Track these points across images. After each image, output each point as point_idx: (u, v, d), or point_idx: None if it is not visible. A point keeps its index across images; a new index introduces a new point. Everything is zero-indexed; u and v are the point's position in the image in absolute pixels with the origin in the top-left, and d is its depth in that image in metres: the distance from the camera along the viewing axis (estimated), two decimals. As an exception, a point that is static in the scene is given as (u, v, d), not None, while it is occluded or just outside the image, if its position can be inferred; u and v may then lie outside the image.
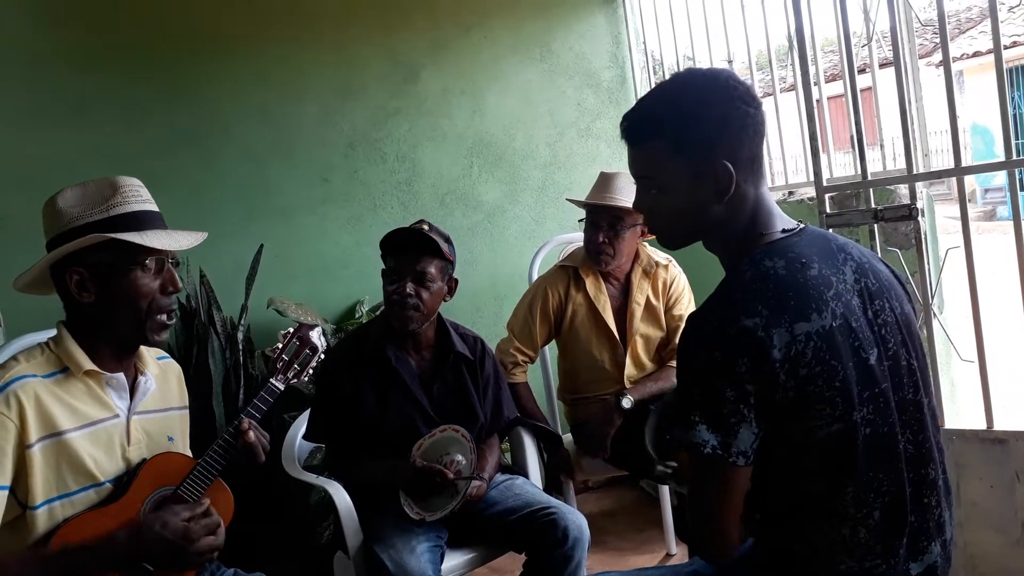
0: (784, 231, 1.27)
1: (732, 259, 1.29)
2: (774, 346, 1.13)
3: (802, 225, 1.30)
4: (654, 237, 2.85)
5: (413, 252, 2.20)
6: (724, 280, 1.26)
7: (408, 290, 2.17)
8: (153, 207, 1.61)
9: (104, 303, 1.55)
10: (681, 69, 1.37)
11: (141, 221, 1.56)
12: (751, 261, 1.23)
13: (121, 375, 1.62)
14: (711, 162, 1.23)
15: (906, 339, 1.29)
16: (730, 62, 3.33)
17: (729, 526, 1.22)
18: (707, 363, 1.17)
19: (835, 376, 1.16)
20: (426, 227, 2.22)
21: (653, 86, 3.82)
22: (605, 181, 2.67)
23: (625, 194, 2.61)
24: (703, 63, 3.53)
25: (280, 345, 1.86)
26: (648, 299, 2.73)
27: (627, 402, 2.58)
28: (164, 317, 1.61)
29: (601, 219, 2.62)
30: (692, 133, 1.24)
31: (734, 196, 1.25)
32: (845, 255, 1.28)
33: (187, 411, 1.83)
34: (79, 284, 1.54)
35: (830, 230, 1.75)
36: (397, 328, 2.23)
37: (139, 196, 1.58)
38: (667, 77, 1.35)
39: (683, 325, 1.23)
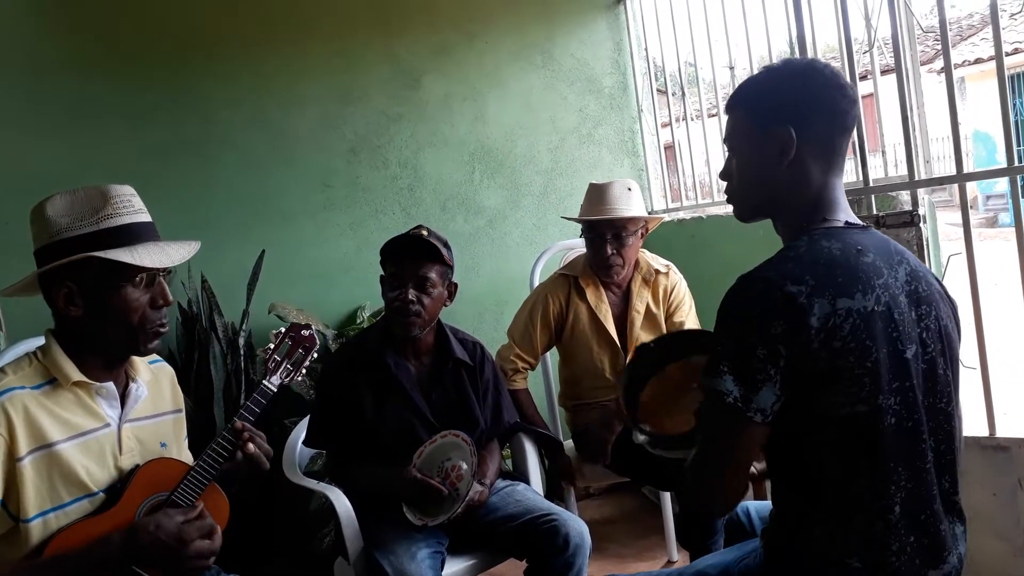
0: (848, 223, 1.31)
1: (792, 236, 1.33)
2: (813, 314, 1.16)
3: (868, 225, 1.34)
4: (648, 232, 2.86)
5: (413, 258, 2.20)
6: (780, 250, 1.30)
7: (410, 296, 2.17)
8: (145, 217, 1.58)
9: (93, 317, 1.53)
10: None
11: (131, 235, 1.53)
12: (809, 239, 1.27)
13: (111, 384, 1.60)
14: (776, 125, 1.30)
15: (946, 350, 1.31)
16: (732, 68, 3.34)
17: (731, 480, 1.25)
18: (745, 319, 1.20)
19: (867, 356, 1.19)
20: (425, 232, 2.22)
21: (653, 91, 3.84)
22: (599, 193, 2.67)
23: (623, 203, 2.61)
24: (704, 70, 3.54)
25: (272, 345, 1.84)
26: (648, 306, 2.73)
27: (628, 408, 2.57)
28: (155, 330, 1.60)
29: (606, 232, 2.62)
30: (768, 101, 1.33)
31: (796, 165, 1.31)
32: (902, 258, 1.32)
33: (182, 414, 1.81)
34: (67, 298, 1.52)
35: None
36: (399, 334, 2.23)
37: (130, 207, 1.55)
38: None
39: (733, 284, 1.26)
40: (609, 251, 2.62)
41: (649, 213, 3.73)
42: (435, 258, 2.20)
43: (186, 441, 1.85)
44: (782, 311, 1.17)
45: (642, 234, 2.71)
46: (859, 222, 1.33)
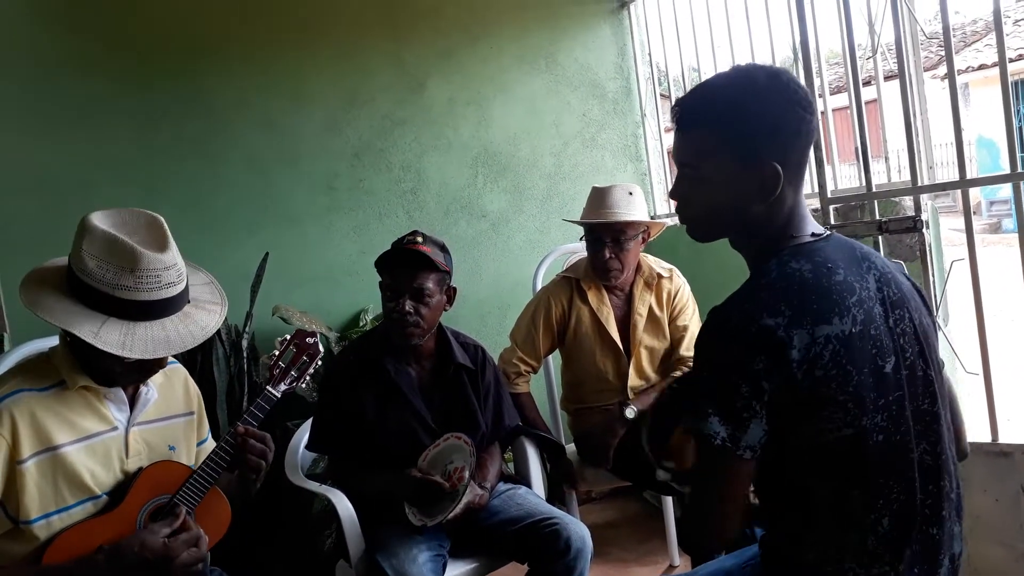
0: (813, 235, 1.28)
1: (758, 258, 1.29)
2: (793, 347, 1.14)
3: (829, 232, 1.31)
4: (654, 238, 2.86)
5: (409, 269, 2.17)
6: (750, 278, 1.27)
7: (407, 308, 2.15)
8: (171, 292, 1.52)
9: (85, 349, 1.52)
10: (742, 64, 1.31)
11: (143, 312, 1.50)
12: (778, 261, 1.23)
13: (119, 389, 1.61)
14: (760, 162, 1.23)
15: (924, 350, 1.29)
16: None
17: (727, 518, 1.23)
18: (725, 357, 1.18)
19: (849, 381, 1.17)
20: (419, 239, 2.20)
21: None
22: (600, 196, 2.67)
23: (623, 207, 2.62)
24: (708, 75, 3.54)
25: (277, 352, 1.85)
26: (651, 309, 2.73)
27: (631, 412, 2.58)
28: (137, 381, 1.62)
29: (604, 236, 2.63)
30: (744, 129, 1.23)
31: (777, 199, 1.25)
32: (869, 263, 1.29)
33: (194, 416, 1.81)
34: (65, 334, 1.53)
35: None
36: (398, 343, 2.23)
37: (156, 283, 1.50)
38: (726, 69, 1.31)
39: (705, 318, 1.23)
40: (608, 255, 2.63)
41: (652, 218, 3.73)
42: (430, 267, 2.18)
43: (205, 443, 1.84)
44: (763, 346, 1.14)
45: (643, 239, 2.71)
46: (821, 230, 1.29)
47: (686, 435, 1.23)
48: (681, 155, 1.30)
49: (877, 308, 1.24)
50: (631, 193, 2.66)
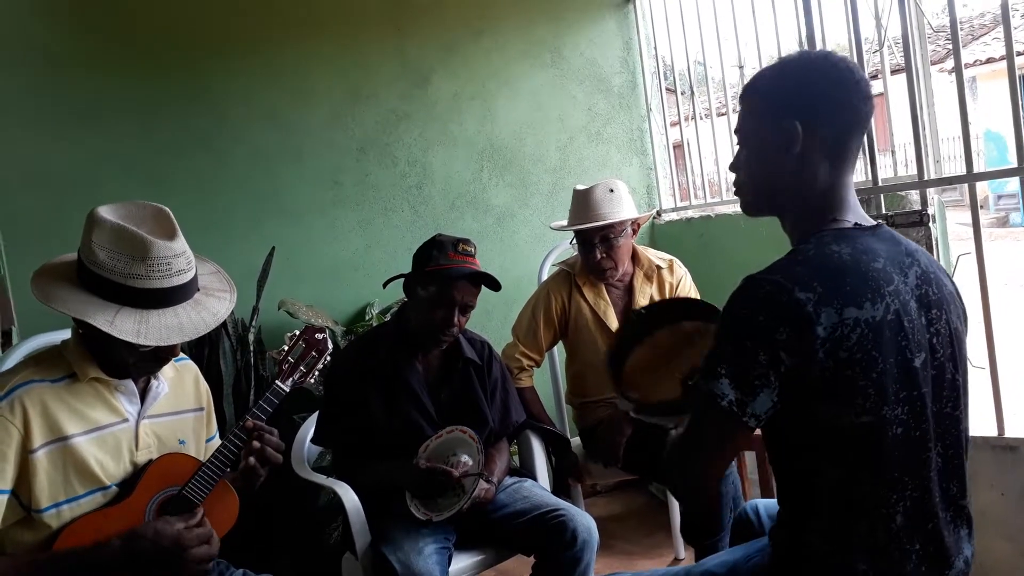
0: (857, 225, 1.29)
1: (801, 237, 1.31)
2: (820, 323, 1.15)
3: (878, 223, 1.31)
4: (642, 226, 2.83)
5: (472, 287, 2.20)
6: (788, 253, 1.28)
7: (459, 321, 2.19)
8: (181, 280, 1.54)
9: (98, 340, 1.54)
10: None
11: (156, 300, 1.51)
12: (818, 241, 1.25)
13: (129, 381, 1.63)
14: (784, 119, 1.28)
15: (955, 353, 1.29)
16: (741, 67, 3.33)
17: (715, 475, 1.27)
18: (749, 323, 1.18)
19: (874, 367, 1.17)
20: (472, 250, 2.22)
21: (662, 89, 3.83)
22: (583, 199, 2.68)
23: (605, 207, 2.62)
24: (714, 68, 3.53)
25: (286, 347, 1.86)
26: (652, 300, 2.73)
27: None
28: (149, 371, 1.63)
29: (593, 237, 2.64)
30: (778, 93, 1.31)
31: (802, 162, 1.28)
32: (913, 260, 1.29)
33: (204, 412, 1.83)
34: (78, 320, 1.54)
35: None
36: (428, 347, 2.24)
37: (167, 270, 1.51)
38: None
39: (738, 284, 1.24)
40: (599, 255, 2.64)
41: (646, 210, 3.73)
42: (488, 286, 2.23)
43: (213, 440, 1.86)
44: (788, 318, 1.15)
45: (633, 231, 2.71)
46: (869, 222, 1.31)
47: (695, 388, 1.25)
48: (736, 126, 1.39)
49: (913, 303, 1.24)
50: (612, 190, 2.66)
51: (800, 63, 1.32)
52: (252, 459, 1.67)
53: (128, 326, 1.47)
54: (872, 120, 2.17)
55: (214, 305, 1.61)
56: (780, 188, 1.33)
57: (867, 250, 1.23)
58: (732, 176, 1.42)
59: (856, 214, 1.31)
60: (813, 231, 1.28)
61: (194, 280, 1.59)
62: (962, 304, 1.37)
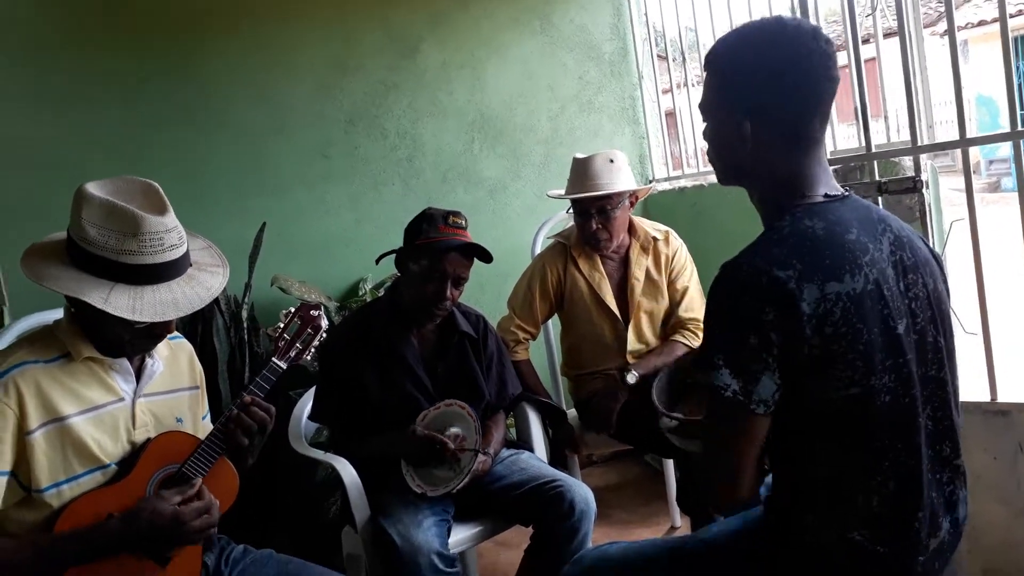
0: (827, 196, 1.28)
1: (771, 215, 1.30)
2: (803, 300, 1.15)
3: (847, 192, 1.31)
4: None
5: (464, 258, 2.19)
6: (762, 234, 1.27)
7: (452, 294, 2.18)
8: (174, 255, 1.52)
9: (91, 319, 1.53)
10: (772, 16, 1.36)
11: (149, 276, 1.50)
12: (792, 218, 1.24)
13: (124, 360, 1.62)
14: (735, 110, 1.27)
15: (935, 316, 1.30)
16: (733, 34, 3.31)
17: (743, 474, 1.23)
18: (735, 309, 1.18)
19: (859, 339, 1.17)
20: (463, 223, 2.20)
21: (654, 57, 3.80)
22: (582, 167, 2.66)
23: (605, 177, 2.61)
24: (705, 35, 3.50)
25: (282, 324, 1.85)
26: (649, 272, 2.73)
27: (632, 377, 2.59)
28: (144, 348, 1.61)
29: (590, 207, 2.62)
30: (732, 79, 1.29)
31: (758, 149, 1.27)
32: (885, 226, 1.29)
33: (199, 391, 1.82)
34: (71, 299, 1.53)
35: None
36: (422, 322, 2.24)
37: (159, 245, 1.49)
38: (764, 17, 1.38)
39: (717, 272, 1.23)
40: (594, 226, 2.63)
41: (651, 181, 3.72)
42: (480, 257, 2.21)
43: (207, 419, 1.86)
44: (772, 297, 1.15)
45: (631, 203, 2.70)
46: (838, 191, 1.30)
47: (700, 388, 1.24)
48: (700, 99, 1.37)
49: (890, 270, 1.24)
50: (612, 160, 2.65)
51: (756, 41, 1.28)
52: (235, 427, 1.65)
53: (123, 302, 1.46)
54: (864, 85, 2.14)
55: (207, 280, 1.60)
56: (743, 169, 1.33)
57: (839, 221, 1.23)
58: None
59: (826, 186, 1.29)
60: (785, 208, 1.26)
61: (186, 255, 1.58)
62: (939, 265, 1.37)
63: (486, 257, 2.21)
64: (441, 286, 2.16)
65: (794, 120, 1.26)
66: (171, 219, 1.53)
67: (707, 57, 1.34)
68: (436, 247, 2.14)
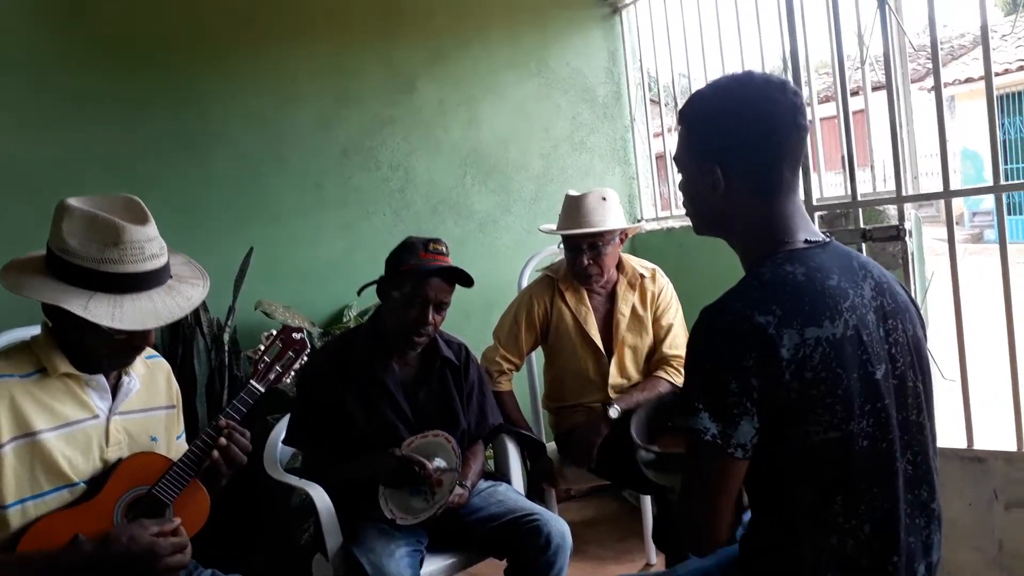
0: (807, 241, 1.29)
1: (752, 261, 1.31)
2: (783, 345, 1.15)
3: (828, 239, 1.32)
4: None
5: (446, 283, 2.20)
6: (743, 278, 1.28)
7: (434, 319, 2.18)
8: (154, 264, 1.53)
9: (69, 332, 1.53)
10: (743, 71, 1.42)
11: (129, 285, 1.50)
12: (772, 264, 1.25)
13: (101, 377, 1.60)
14: (705, 160, 1.30)
15: (915, 361, 1.31)
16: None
17: (720, 517, 1.23)
18: (716, 354, 1.19)
19: (838, 384, 1.18)
20: (444, 249, 2.21)
21: (647, 101, 3.86)
22: (575, 205, 2.69)
23: (597, 215, 2.64)
24: (697, 81, 3.56)
25: (263, 347, 1.84)
26: (635, 308, 2.75)
27: (614, 412, 2.58)
28: (123, 362, 1.61)
29: (582, 243, 2.65)
30: (703, 131, 1.32)
31: (730, 199, 1.29)
32: (866, 272, 1.30)
33: (175, 410, 1.81)
34: (47, 310, 1.53)
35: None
36: (404, 349, 2.23)
37: (140, 255, 1.50)
38: (736, 72, 1.42)
39: (698, 316, 1.24)
40: (586, 261, 2.65)
41: (637, 221, 3.75)
42: (462, 282, 2.22)
43: (181, 438, 1.84)
44: (752, 343, 1.16)
45: (621, 240, 2.73)
46: (819, 237, 1.31)
47: (679, 433, 1.24)
48: (675, 150, 1.40)
49: (871, 316, 1.25)
50: (604, 198, 2.68)
51: (724, 93, 1.31)
52: (216, 454, 1.64)
53: (103, 310, 1.45)
54: (851, 136, 2.18)
55: (188, 291, 1.60)
56: (717, 218, 1.35)
57: (820, 267, 1.24)
58: None
59: (806, 231, 1.31)
60: (766, 255, 1.27)
61: (167, 267, 1.58)
62: (918, 312, 1.39)
63: (467, 281, 2.21)
64: (423, 311, 2.16)
65: (763, 167, 1.28)
66: (152, 229, 1.54)
67: (680, 110, 1.38)
68: (416, 271, 2.15)
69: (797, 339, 1.16)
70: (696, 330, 1.24)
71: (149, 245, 1.52)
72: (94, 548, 1.47)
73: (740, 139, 1.27)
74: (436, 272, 2.16)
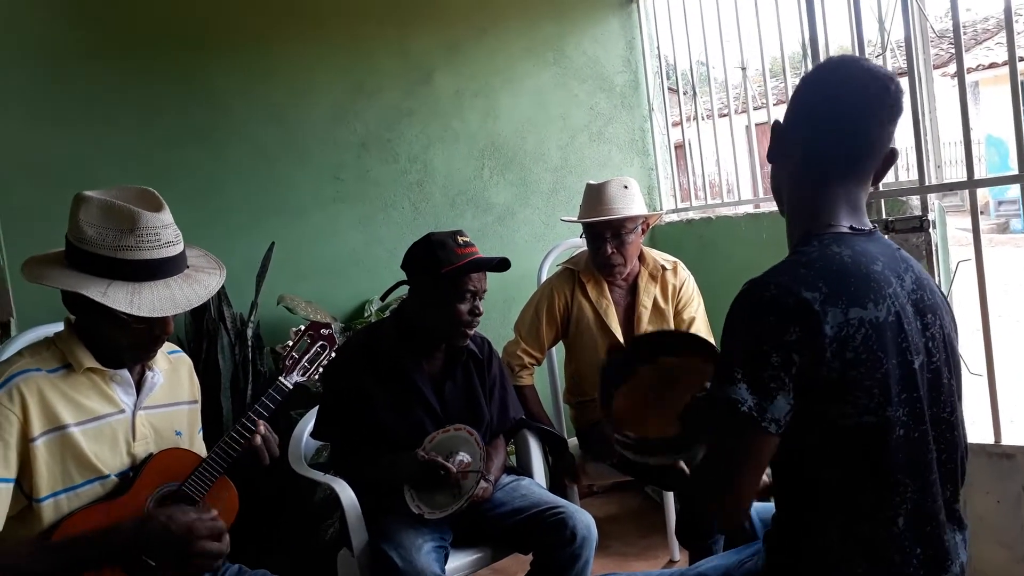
0: (853, 228, 1.29)
1: (799, 239, 1.32)
2: (827, 323, 1.15)
3: (873, 229, 1.33)
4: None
5: (486, 275, 2.24)
6: (789, 255, 1.29)
7: (481, 309, 2.22)
8: (171, 251, 1.55)
9: (91, 325, 1.55)
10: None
11: (147, 271, 1.51)
12: (819, 243, 1.26)
13: (125, 371, 1.62)
14: (792, 130, 1.35)
15: (949, 359, 1.30)
16: (744, 69, 3.33)
17: (745, 490, 1.21)
18: (759, 326, 1.18)
19: (878, 367, 1.18)
20: (469, 238, 2.25)
21: (665, 90, 3.83)
22: (597, 193, 2.68)
23: (620, 202, 2.62)
24: (716, 69, 3.53)
25: (291, 343, 1.85)
26: (656, 301, 2.74)
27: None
28: (146, 352, 1.62)
29: (604, 231, 2.64)
30: (798, 105, 1.35)
31: (791, 167, 1.34)
32: (907, 266, 1.31)
33: (198, 405, 1.83)
34: (68, 302, 1.55)
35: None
36: (454, 342, 2.25)
37: (156, 241, 1.52)
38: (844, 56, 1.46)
39: (741, 289, 1.24)
40: (609, 250, 2.64)
41: (654, 211, 3.73)
42: (500, 270, 2.26)
43: (200, 433, 1.86)
44: (797, 317, 1.16)
45: (643, 229, 2.72)
46: (866, 226, 1.32)
47: (710, 402, 1.24)
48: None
49: (910, 307, 1.25)
50: (626, 187, 2.67)
51: (831, 80, 1.33)
52: (258, 439, 1.68)
53: (121, 296, 1.47)
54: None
55: (205, 279, 1.62)
56: (775, 190, 1.39)
57: (865, 252, 1.25)
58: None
59: (851, 219, 1.31)
60: (812, 235, 1.28)
61: (183, 255, 1.59)
62: (951, 312, 1.39)
63: (504, 265, 2.23)
64: (473, 303, 2.20)
65: (846, 156, 1.30)
66: (167, 216, 1.55)
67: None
68: (465, 269, 2.17)
69: (841, 318, 1.16)
70: (739, 302, 1.23)
71: (165, 232, 1.53)
72: (133, 529, 1.49)
73: (837, 122, 1.29)
74: (483, 265, 2.20)
